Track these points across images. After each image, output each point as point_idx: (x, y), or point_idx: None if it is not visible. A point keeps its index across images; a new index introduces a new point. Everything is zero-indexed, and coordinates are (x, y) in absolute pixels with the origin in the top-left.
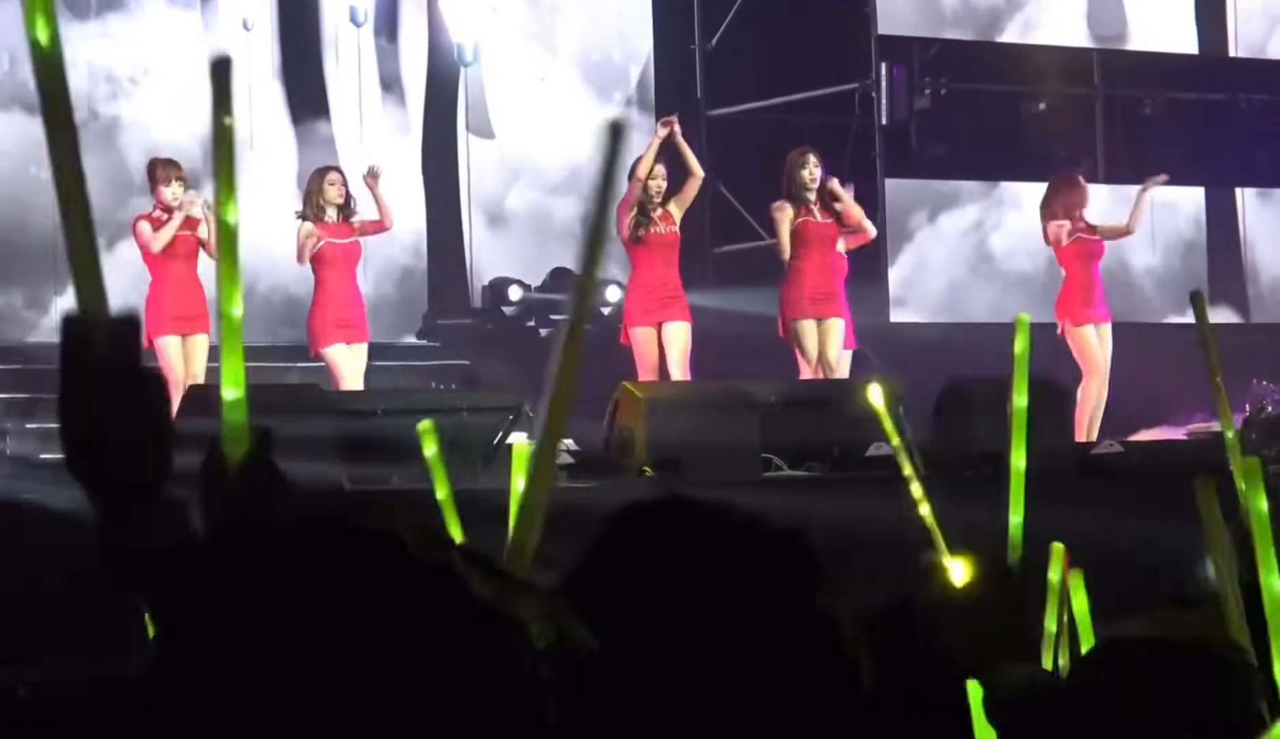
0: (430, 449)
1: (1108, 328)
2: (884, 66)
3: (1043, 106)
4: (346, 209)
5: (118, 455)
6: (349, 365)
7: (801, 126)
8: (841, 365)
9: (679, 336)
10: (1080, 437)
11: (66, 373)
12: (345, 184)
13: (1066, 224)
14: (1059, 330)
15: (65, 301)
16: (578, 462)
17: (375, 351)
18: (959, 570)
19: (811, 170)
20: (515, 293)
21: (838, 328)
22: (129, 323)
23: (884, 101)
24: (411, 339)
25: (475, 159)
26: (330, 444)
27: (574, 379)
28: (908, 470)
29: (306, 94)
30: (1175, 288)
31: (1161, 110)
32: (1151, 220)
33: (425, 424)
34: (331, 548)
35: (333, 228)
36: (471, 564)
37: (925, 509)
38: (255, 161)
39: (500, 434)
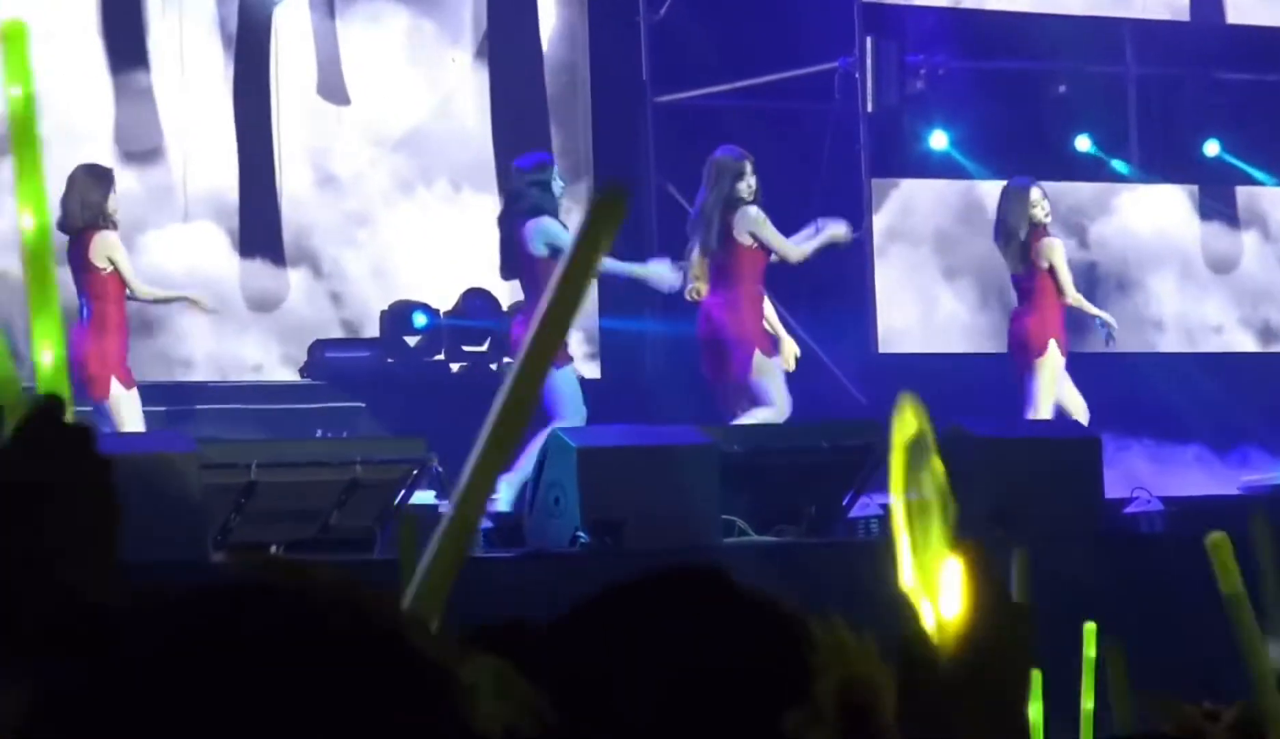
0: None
1: None
2: (869, 42)
3: (1063, 89)
4: None
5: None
6: None
7: (769, 115)
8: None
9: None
10: None
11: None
12: None
13: None
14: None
15: None
16: (496, 525)
17: (248, 393)
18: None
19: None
20: (420, 320)
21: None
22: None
23: (870, 84)
24: (293, 377)
25: (299, 110)
26: (201, 503)
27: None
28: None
29: (126, 46)
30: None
31: (1207, 93)
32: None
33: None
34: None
35: None
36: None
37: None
38: (76, 117)
39: (401, 493)
